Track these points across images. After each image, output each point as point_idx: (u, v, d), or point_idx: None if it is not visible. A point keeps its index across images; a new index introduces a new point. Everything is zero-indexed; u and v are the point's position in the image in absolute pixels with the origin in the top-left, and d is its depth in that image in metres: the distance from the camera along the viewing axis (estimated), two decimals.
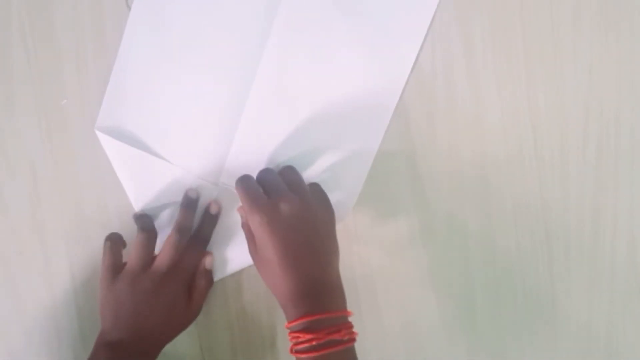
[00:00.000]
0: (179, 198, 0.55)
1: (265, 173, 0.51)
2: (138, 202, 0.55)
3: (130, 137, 0.55)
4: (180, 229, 0.52)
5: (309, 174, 0.55)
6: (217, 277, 0.56)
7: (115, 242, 0.53)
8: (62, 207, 0.56)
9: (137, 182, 0.55)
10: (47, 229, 0.56)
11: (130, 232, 0.55)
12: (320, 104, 0.54)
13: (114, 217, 0.56)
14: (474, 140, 0.55)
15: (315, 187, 0.52)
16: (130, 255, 0.52)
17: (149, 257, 0.52)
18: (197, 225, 0.55)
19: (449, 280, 0.56)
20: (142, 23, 0.54)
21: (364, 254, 0.56)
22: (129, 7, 0.54)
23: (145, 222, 0.53)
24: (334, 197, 0.52)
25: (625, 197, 0.55)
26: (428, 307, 0.57)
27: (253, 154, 0.55)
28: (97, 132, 0.55)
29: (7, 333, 0.56)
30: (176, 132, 0.55)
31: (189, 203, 0.54)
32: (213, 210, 0.55)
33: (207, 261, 0.54)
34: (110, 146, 0.55)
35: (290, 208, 0.47)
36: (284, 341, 0.56)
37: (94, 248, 0.55)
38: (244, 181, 0.49)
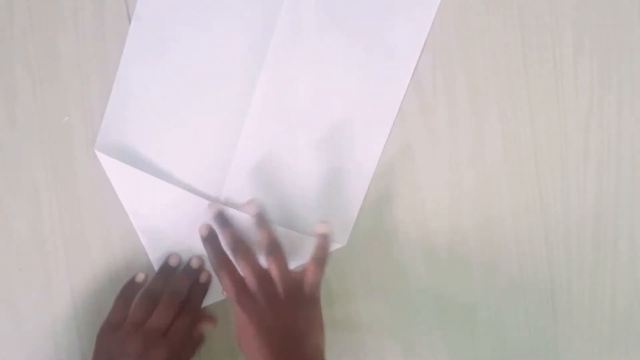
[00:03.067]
0: (179, 218, 0.54)
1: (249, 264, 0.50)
2: (138, 221, 0.55)
3: (130, 155, 0.55)
4: (171, 293, 0.52)
5: (307, 194, 0.55)
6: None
7: (126, 299, 0.53)
8: (63, 224, 0.56)
9: (137, 202, 0.55)
10: (48, 246, 0.56)
11: (129, 249, 0.55)
12: (319, 120, 0.55)
13: (115, 235, 0.56)
14: (474, 161, 0.55)
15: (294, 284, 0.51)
16: (130, 313, 0.52)
17: (144, 319, 0.51)
18: (187, 290, 0.54)
19: (453, 308, 0.56)
20: (142, 40, 0.54)
21: (364, 270, 0.56)
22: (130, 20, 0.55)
23: (152, 284, 0.53)
24: (332, 219, 0.52)
25: (625, 219, 0.55)
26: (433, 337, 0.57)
27: (253, 170, 0.55)
28: (96, 152, 0.55)
29: (7, 350, 0.56)
30: (176, 149, 0.55)
31: (187, 269, 0.54)
32: (202, 279, 0.55)
33: (207, 326, 0.54)
34: (110, 166, 0.55)
35: (272, 299, 0.47)
36: None
37: (95, 265, 0.55)
38: (229, 270, 0.49)
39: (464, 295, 0.56)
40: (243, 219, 0.53)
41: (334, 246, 0.54)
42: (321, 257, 0.50)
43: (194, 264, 0.55)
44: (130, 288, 0.53)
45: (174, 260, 0.55)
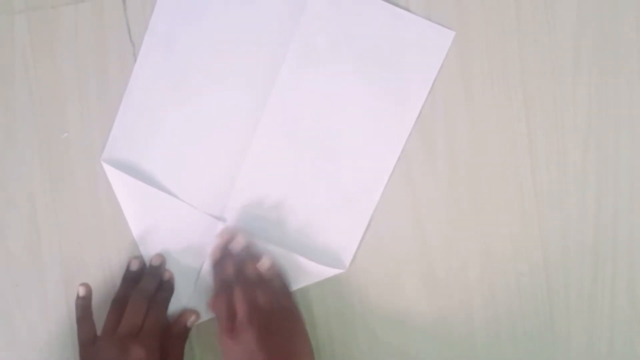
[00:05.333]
0: (182, 233, 0.55)
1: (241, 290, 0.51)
2: (139, 233, 0.55)
3: (136, 170, 0.55)
4: (136, 294, 0.52)
5: (310, 217, 0.55)
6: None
7: (84, 313, 0.53)
8: (60, 239, 0.56)
9: (141, 215, 0.55)
10: (45, 261, 0.56)
11: (126, 264, 0.55)
12: (326, 145, 0.55)
13: (112, 249, 0.56)
14: (472, 180, 0.55)
15: (283, 292, 0.52)
16: (104, 324, 0.52)
17: (118, 323, 0.51)
18: (155, 289, 0.54)
19: (450, 323, 0.56)
20: (153, 58, 0.55)
21: (364, 295, 0.56)
22: (132, 43, 0.55)
23: (119, 292, 0.54)
24: (334, 244, 0.53)
25: (624, 237, 0.55)
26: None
27: (257, 190, 0.55)
28: (102, 163, 0.55)
29: None
30: (182, 166, 0.55)
31: (152, 270, 0.55)
32: (166, 277, 0.55)
33: (189, 320, 0.55)
34: (115, 178, 0.55)
35: (260, 331, 0.48)
36: None
37: (92, 280, 0.55)
38: (216, 304, 0.51)
39: (463, 317, 0.56)
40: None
41: (335, 271, 0.54)
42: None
43: (155, 262, 0.55)
44: (79, 304, 0.53)
45: (135, 264, 0.55)
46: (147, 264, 0.56)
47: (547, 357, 0.55)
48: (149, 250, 0.56)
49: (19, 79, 0.55)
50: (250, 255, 0.53)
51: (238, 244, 0.53)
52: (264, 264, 0.52)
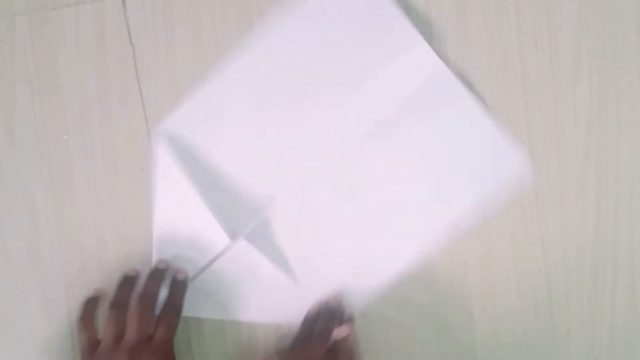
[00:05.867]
0: (193, 239, 0.54)
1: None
2: (159, 227, 0.55)
3: (183, 156, 0.54)
4: (141, 298, 0.51)
5: (327, 270, 0.55)
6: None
7: (86, 321, 0.51)
8: (60, 242, 0.56)
9: (167, 206, 0.55)
10: (45, 264, 0.56)
11: (127, 265, 0.55)
12: (369, 196, 0.55)
13: (112, 253, 0.56)
14: None
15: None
16: (103, 333, 0.50)
17: (121, 332, 0.50)
18: (167, 293, 0.53)
19: (450, 325, 0.56)
20: (252, 64, 0.55)
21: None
22: (132, 45, 0.55)
23: (117, 297, 0.52)
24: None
25: (624, 239, 0.55)
26: None
27: (289, 222, 0.55)
28: (155, 136, 0.55)
29: None
30: (229, 176, 0.55)
31: (155, 273, 0.53)
32: (180, 276, 0.53)
33: None
34: (162, 156, 0.54)
35: None
36: None
37: (92, 283, 0.55)
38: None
39: (463, 319, 0.56)
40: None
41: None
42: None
43: (161, 265, 0.54)
44: (90, 306, 0.52)
45: (132, 271, 0.53)
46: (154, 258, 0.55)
47: (548, 359, 0.55)
48: (159, 245, 0.55)
49: (19, 80, 0.55)
50: (339, 313, 0.53)
51: (334, 302, 0.53)
52: (341, 332, 0.51)
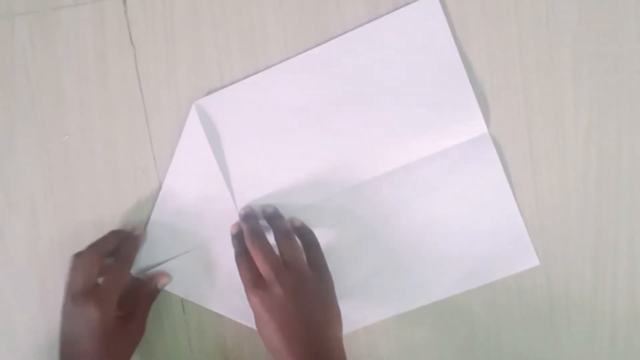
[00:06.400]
0: (205, 215, 0.55)
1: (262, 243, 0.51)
2: (168, 184, 0.55)
3: (218, 135, 0.55)
4: (91, 247, 0.52)
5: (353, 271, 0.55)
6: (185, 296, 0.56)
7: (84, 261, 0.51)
8: (61, 243, 0.56)
9: (185, 170, 0.55)
10: (46, 265, 0.56)
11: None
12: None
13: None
14: None
15: (313, 252, 0.52)
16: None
17: (81, 280, 0.50)
18: (118, 245, 0.53)
19: (450, 327, 0.56)
20: (317, 73, 0.55)
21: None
22: (133, 45, 0.55)
23: (86, 248, 0.52)
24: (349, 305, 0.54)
25: (624, 239, 0.55)
26: None
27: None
28: (193, 107, 0.54)
29: None
30: (258, 169, 0.55)
31: (116, 231, 0.54)
32: (137, 232, 0.55)
33: (160, 282, 0.54)
34: (192, 124, 0.54)
35: (286, 289, 0.48)
36: None
37: None
38: (247, 263, 0.50)
39: (463, 321, 0.56)
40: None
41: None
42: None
43: (137, 231, 0.55)
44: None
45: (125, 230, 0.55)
46: (153, 218, 0.55)
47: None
48: (163, 207, 0.55)
49: (19, 81, 0.55)
50: (277, 215, 0.54)
51: (269, 208, 0.54)
52: (294, 221, 0.53)
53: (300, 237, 0.52)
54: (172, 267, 0.55)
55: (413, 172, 0.54)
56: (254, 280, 0.49)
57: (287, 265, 0.49)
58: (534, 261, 0.55)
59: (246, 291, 0.49)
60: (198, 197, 0.55)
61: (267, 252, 0.50)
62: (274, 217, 0.53)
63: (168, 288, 0.55)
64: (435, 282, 0.55)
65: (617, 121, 0.54)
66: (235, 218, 0.54)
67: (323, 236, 0.54)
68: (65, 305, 0.50)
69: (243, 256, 0.51)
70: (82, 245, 0.55)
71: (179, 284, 0.55)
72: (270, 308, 0.48)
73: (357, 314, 0.55)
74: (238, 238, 0.53)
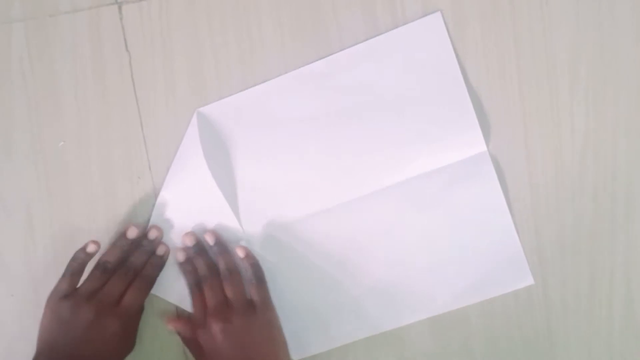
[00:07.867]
0: (200, 213, 0.55)
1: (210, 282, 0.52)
2: (164, 200, 0.55)
3: (219, 142, 0.55)
4: (129, 265, 0.53)
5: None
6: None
7: (77, 269, 0.52)
8: (56, 250, 0.56)
9: (181, 183, 0.55)
10: (41, 272, 0.56)
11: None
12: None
13: None
14: None
15: (256, 285, 0.53)
16: (84, 282, 0.52)
17: (100, 287, 0.52)
18: (144, 265, 0.54)
19: (447, 331, 0.56)
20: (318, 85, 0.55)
21: None
22: (128, 52, 0.55)
23: (105, 258, 0.53)
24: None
25: (621, 250, 0.55)
26: None
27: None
28: (196, 113, 0.55)
29: None
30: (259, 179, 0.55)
31: (146, 243, 0.54)
32: (160, 251, 0.55)
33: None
34: (193, 134, 0.54)
35: (232, 325, 0.50)
36: None
37: None
38: (193, 302, 0.53)
39: (460, 326, 0.55)
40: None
41: None
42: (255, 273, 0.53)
43: (152, 235, 0.54)
44: (80, 257, 0.52)
45: (133, 233, 0.54)
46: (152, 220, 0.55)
47: None
48: (161, 217, 0.55)
49: (16, 87, 0.55)
50: (223, 249, 0.54)
51: (210, 238, 0.54)
52: (240, 252, 0.53)
53: (246, 269, 0.53)
54: (168, 275, 0.55)
55: (411, 188, 0.54)
56: (203, 318, 0.51)
57: (233, 302, 0.51)
58: (528, 280, 0.55)
59: (195, 327, 0.50)
60: (197, 206, 0.55)
61: (217, 292, 0.51)
62: (220, 252, 0.53)
63: (163, 296, 0.55)
64: (430, 298, 0.55)
65: (613, 123, 0.54)
66: (235, 226, 0.55)
67: (319, 249, 0.54)
68: (79, 306, 0.50)
69: (196, 291, 0.53)
70: None
71: (173, 292, 0.55)
72: (221, 344, 0.49)
73: (351, 326, 0.55)
74: (192, 269, 0.54)
